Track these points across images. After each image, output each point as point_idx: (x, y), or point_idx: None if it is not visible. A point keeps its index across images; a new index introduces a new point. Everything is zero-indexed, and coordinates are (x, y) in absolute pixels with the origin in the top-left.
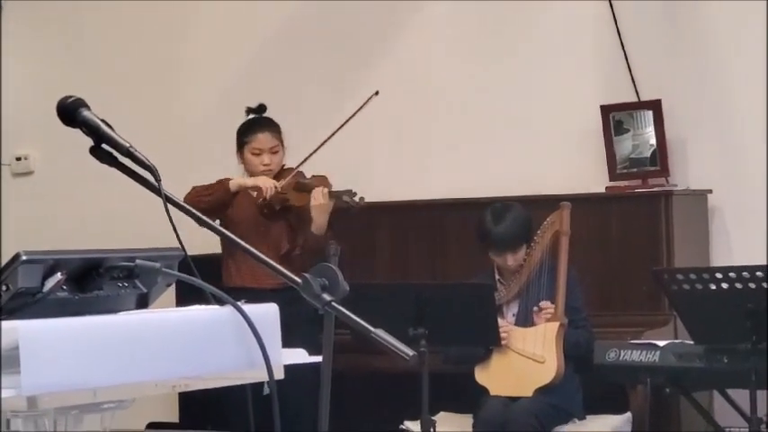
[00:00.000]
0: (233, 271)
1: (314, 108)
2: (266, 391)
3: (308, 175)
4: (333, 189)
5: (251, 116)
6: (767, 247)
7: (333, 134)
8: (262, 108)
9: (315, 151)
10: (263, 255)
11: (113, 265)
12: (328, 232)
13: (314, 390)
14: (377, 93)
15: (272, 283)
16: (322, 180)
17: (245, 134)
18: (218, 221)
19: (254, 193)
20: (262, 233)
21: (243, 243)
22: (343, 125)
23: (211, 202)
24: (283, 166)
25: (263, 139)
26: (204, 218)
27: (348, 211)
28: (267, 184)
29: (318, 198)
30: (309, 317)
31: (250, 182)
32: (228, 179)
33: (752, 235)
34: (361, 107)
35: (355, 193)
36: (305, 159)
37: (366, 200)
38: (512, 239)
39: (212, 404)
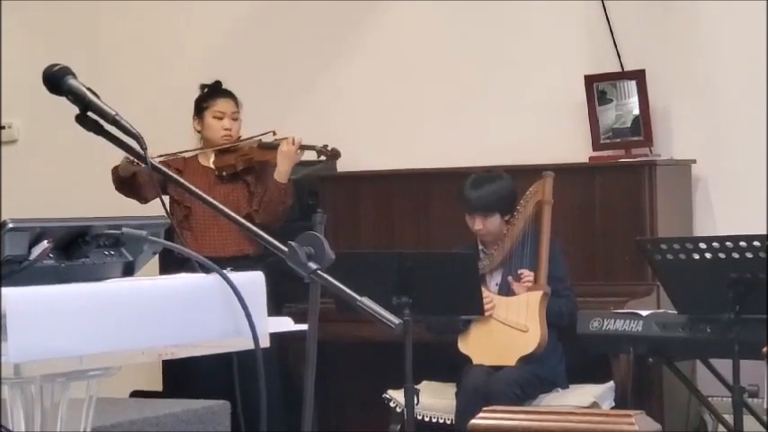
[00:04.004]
0: (190, 242)
1: (300, 80)
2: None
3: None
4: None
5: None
6: (750, 216)
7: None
8: (218, 84)
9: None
10: (222, 221)
11: (100, 233)
12: (289, 183)
13: (278, 354)
14: (274, 133)
15: (230, 251)
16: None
17: (206, 99)
18: (167, 197)
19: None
20: (217, 200)
21: (230, 212)
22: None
23: (119, 179)
24: (239, 137)
25: (225, 103)
26: (190, 186)
27: (320, 156)
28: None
29: (287, 145)
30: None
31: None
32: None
33: (735, 205)
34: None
35: (326, 145)
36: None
37: (351, 170)
38: (482, 203)
39: (196, 373)
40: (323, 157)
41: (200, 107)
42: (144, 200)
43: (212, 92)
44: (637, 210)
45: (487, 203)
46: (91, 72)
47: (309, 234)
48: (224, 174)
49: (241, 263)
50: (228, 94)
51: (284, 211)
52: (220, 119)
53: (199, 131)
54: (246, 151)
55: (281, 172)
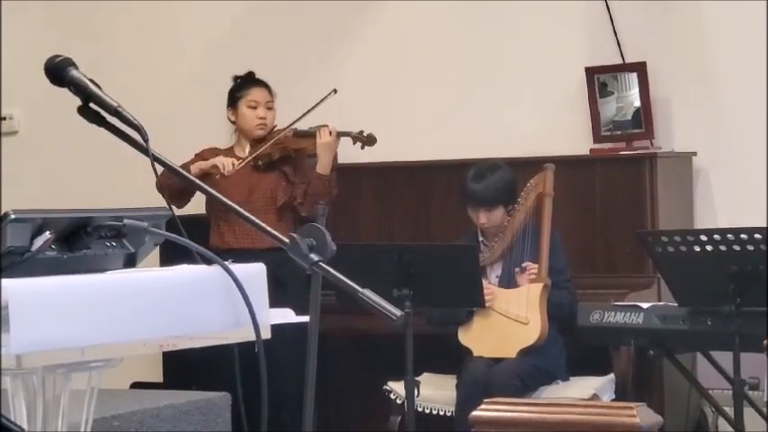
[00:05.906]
0: (226, 232)
1: (300, 72)
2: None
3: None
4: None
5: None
6: (751, 209)
7: (292, 123)
8: (251, 74)
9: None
10: (257, 210)
11: (101, 224)
12: (332, 173)
13: (299, 347)
14: (335, 91)
15: (267, 242)
16: (324, 126)
17: (239, 89)
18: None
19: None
20: (253, 188)
21: (234, 205)
22: (299, 119)
23: (177, 186)
24: (274, 127)
25: (259, 92)
26: (195, 180)
27: (356, 143)
28: (223, 161)
29: (325, 136)
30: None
31: (207, 164)
32: (191, 163)
33: (736, 197)
34: (319, 103)
35: (362, 131)
36: (296, 120)
37: (350, 161)
38: (486, 197)
39: (196, 364)
40: (359, 144)
41: (234, 97)
42: (185, 203)
43: (246, 81)
44: (637, 202)
45: (490, 197)
46: (90, 69)
47: (311, 226)
48: (260, 163)
49: (277, 254)
50: (262, 84)
51: (330, 202)
52: (254, 108)
53: (233, 122)
54: (281, 140)
55: (323, 164)
